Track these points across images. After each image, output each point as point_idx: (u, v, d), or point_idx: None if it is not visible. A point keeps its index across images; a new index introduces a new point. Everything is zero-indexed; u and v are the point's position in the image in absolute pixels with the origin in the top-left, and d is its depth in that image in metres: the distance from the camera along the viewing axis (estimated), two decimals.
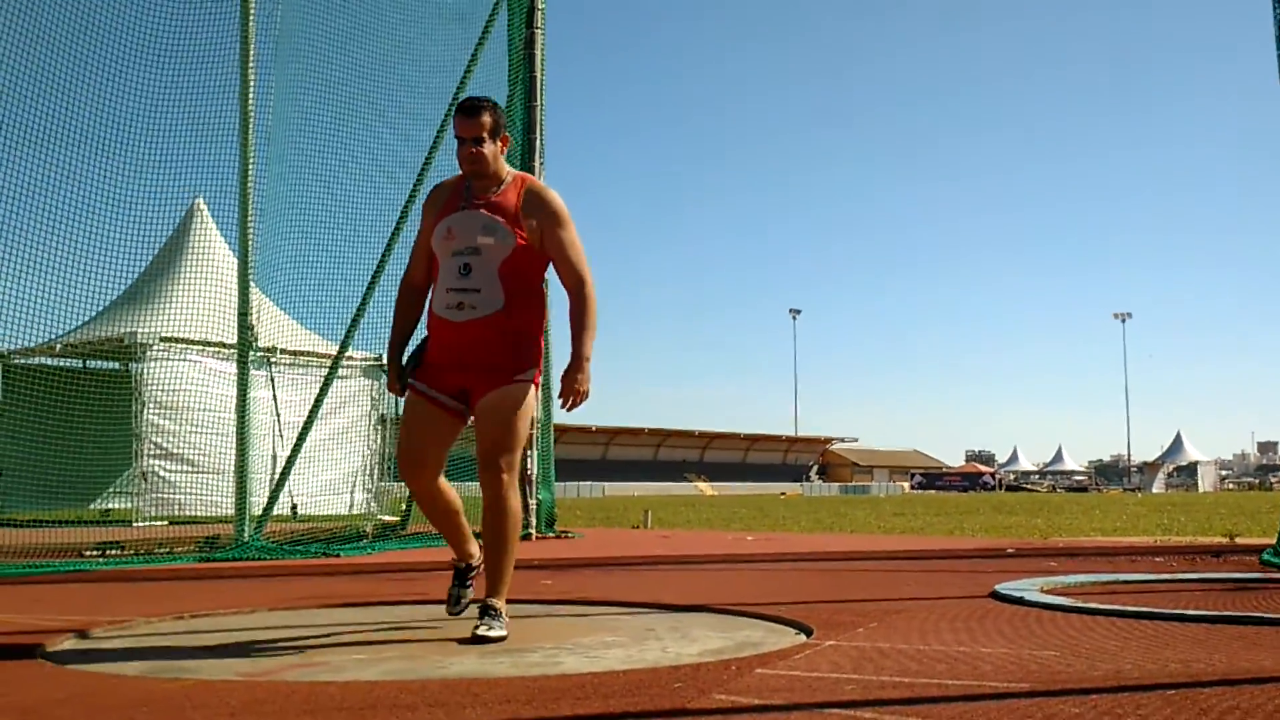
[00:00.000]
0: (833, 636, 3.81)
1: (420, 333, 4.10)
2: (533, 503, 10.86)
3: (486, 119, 3.93)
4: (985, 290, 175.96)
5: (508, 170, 4.03)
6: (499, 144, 3.97)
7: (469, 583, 4.24)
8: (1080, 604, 4.55)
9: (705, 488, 77.40)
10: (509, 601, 4.00)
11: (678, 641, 3.85)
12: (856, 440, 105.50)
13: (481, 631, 3.73)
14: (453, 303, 3.86)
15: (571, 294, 4.01)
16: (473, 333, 3.86)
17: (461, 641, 3.73)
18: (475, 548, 4.22)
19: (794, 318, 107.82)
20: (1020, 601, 4.74)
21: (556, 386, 3.95)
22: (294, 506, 12.91)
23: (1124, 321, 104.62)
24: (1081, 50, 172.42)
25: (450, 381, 3.94)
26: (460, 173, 4.01)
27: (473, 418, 3.95)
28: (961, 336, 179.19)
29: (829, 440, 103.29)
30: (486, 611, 3.83)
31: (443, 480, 4.07)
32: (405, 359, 4.05)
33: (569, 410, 3.94)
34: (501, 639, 3.73)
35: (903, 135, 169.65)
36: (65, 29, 8.32)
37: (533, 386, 3.97)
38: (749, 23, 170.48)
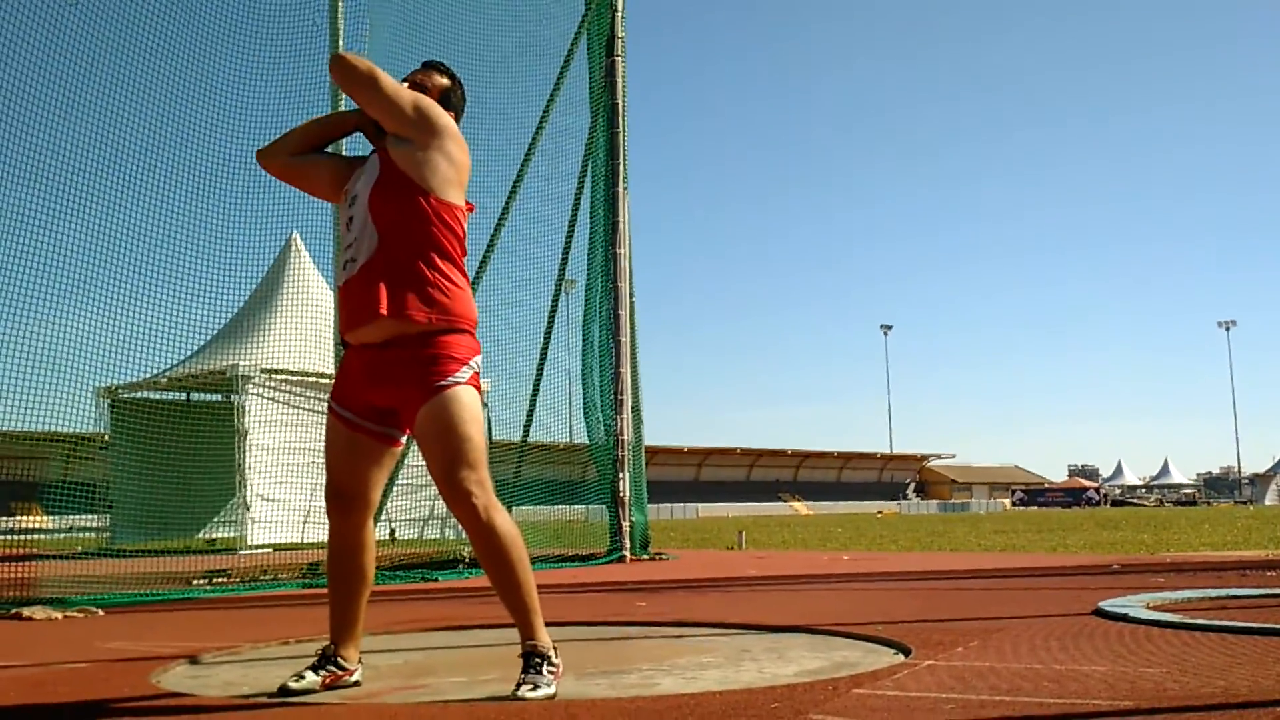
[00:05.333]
0: (931, 656, 3.77)
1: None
2: (626, 525, 10.90)
3: (440, 80, 3.62)
4: (1083, 300, 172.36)
5: None
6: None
7: (325, 670, 3.42)
8: (1188, 620, 4.43)
9: (800, 507, 76.83)
10: (553, 624, 3.41)
11: (774, 662, 3.84)
12: (954, 457, 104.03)
13: (523, 693, 3.11)
14: (343, 261, 3.45)
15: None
16: (356, 289, 3.34)
17: (498, 699, 3.16)
18: (354, 652, 3.50)
19: (885, 334, 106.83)
20: (1125, 618, 4.63)
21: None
22: (392, 532, 13.12)
23: (1228, 329, 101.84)
24: (1181, 40, 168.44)
25: (366, 397, 3.40)
26: None
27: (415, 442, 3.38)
28: (1060, 347, 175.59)
29: (925, 457, 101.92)
30: (530, 664, 3.22)
31: (369, 536, 3.51)
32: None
33: None
34: (549, 698, 3.12)
35: (992, 145, 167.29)
36: (165, 73, 8.61)
37: (470, 388, 3.32)
38: (833, 43, 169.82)
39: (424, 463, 3.32)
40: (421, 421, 3.27)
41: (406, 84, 3.59)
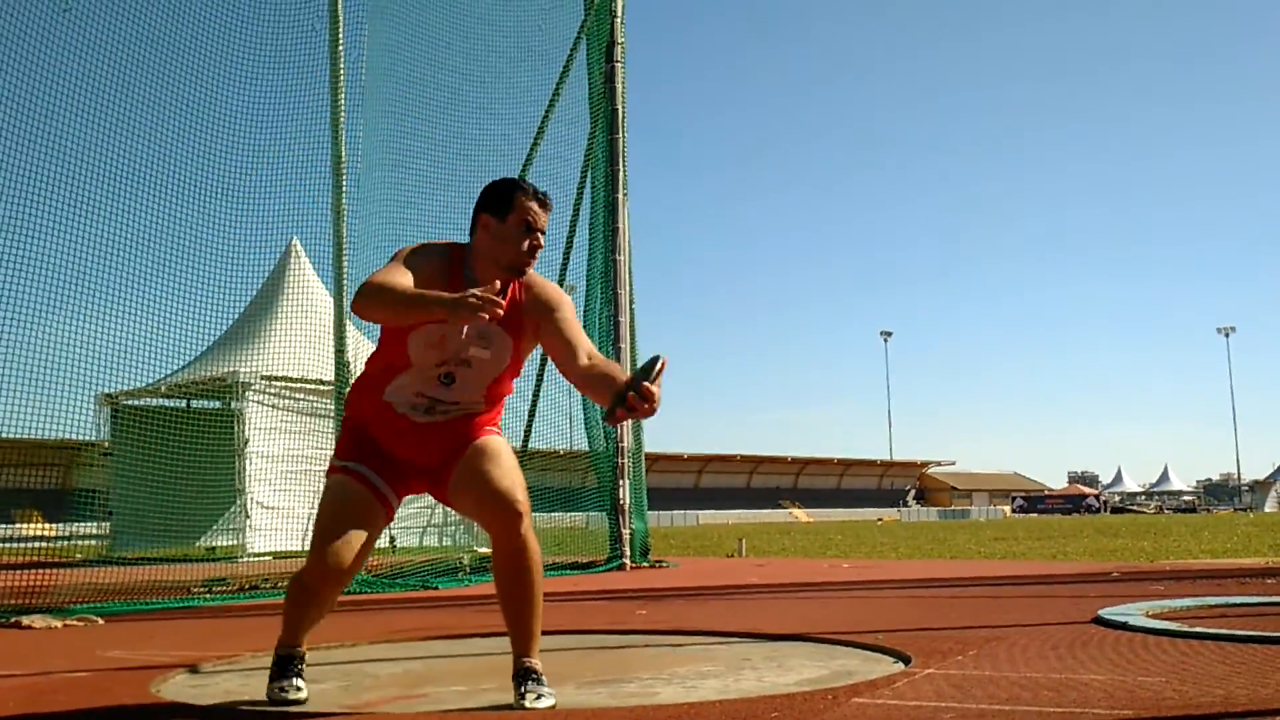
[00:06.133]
0: (931, 664, 3.77)
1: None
2: (626, 532, 10.89)
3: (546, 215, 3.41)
4: (1083, 306, 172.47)
5: None
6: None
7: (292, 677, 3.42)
8: (1187, 628, 4.44)
9: (800, 514, 76.78)
10: (552, 632, 3.48)
11: (774, 671, 3.84)
12: (954, 463, 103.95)
13: (528, 702, 3.12)
14: (422, 406, 3.33)
15: (585, 371, 3.22)
16: (436, 433, 3.34)
17: (498, 707, 3.20)
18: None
19: (885, 340, 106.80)
20: (1124, 626, 4.64)
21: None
22: (392, 539, 13.11)
23: (1228, 336, 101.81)
24: (1180, 43, 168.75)
25: (396, 463, 3.37)
26: (449, 242, 3.42)
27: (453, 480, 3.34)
28: (1059, 354, 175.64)
29: (925, 464, 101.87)
30: (530, 675, 3.21)
31: None
32: None
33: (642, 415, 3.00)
34: (550, 709, 3.13)
35: (991, 150, 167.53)
36: (164, 80, 8.64)
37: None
38: (833, 48, 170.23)
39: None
40: (478, 445, 3.31)
41: (536, 238, 3.31)
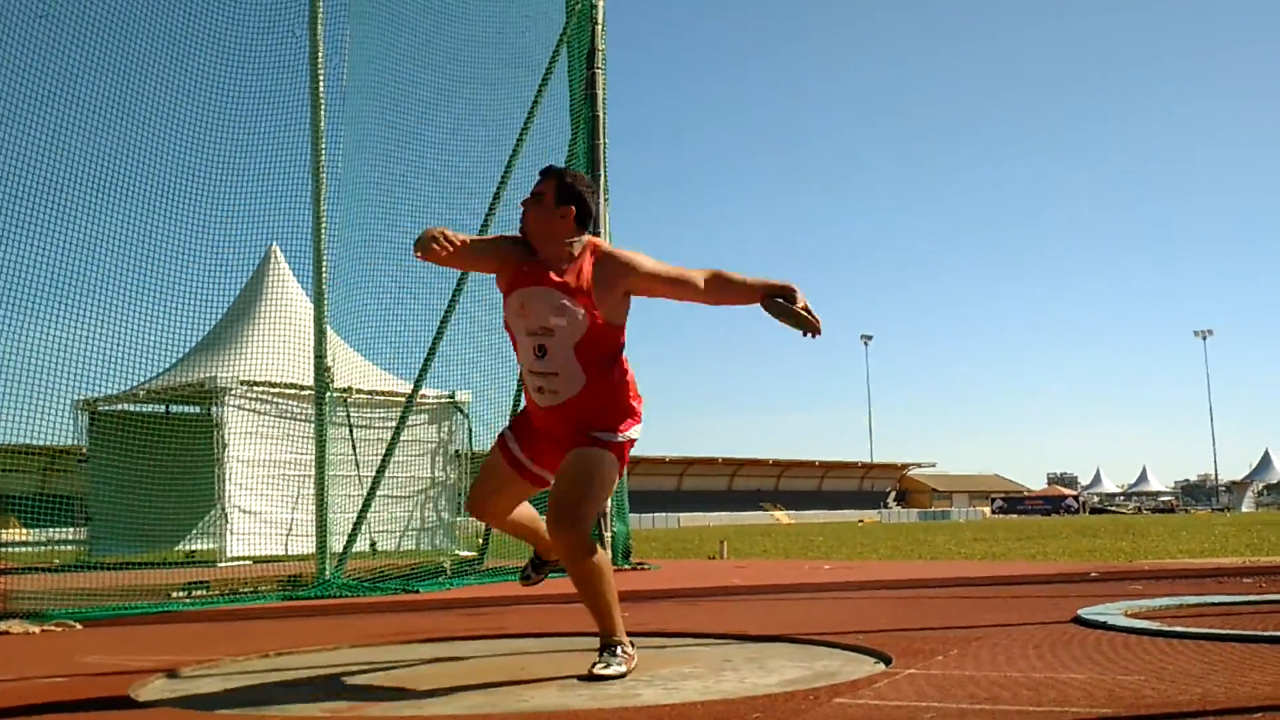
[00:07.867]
0: (912, 665, 3.78)
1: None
2: (608, 535, 10.89)
3: (550, 182, 3.83)
4: (1061, 310, 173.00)
5: (578, 243, 3.83)
6: (558, 214, 3.79)
7: (543, 570, 4.40)
8: (1165, 627, 4.47)
9: (781, 516, 76.87)
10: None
11: (755, 672, 3.85)
12: (934, 465, 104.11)
13: (598, 670, 3.67)
14: (534, 385, 3.83)
15: (708, 289, 3.79)
16: (558, 415, 3.81)
17: (580, 678, 3.67)
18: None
19: (865, 344, 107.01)
20: (1104, 626, 4.66)
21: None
22: (373, 544, 13.06)
23: (1205, 339, 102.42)
24: (1155, 45, 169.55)
25: (540, 445, 3.94)
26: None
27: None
28: (1038, 357, 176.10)
29: (906, 466, 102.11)
30: (606, 648, 3.79)
31: (521, 507, 4.16)
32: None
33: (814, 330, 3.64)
34: (621, 675, 3.66)
35: (970, 154, 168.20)
36: (143, 84, 8.59)
37: (610, 451, 3.78)
38: (815, 54, 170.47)
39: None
40: (565, 460, 3.79)
41: (571, 210, 3.81)
